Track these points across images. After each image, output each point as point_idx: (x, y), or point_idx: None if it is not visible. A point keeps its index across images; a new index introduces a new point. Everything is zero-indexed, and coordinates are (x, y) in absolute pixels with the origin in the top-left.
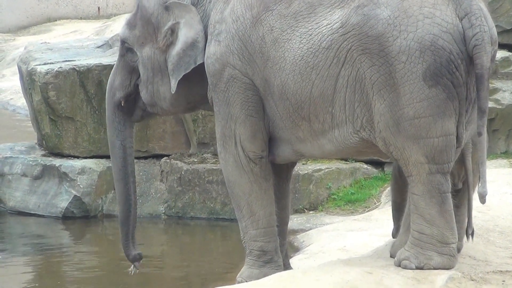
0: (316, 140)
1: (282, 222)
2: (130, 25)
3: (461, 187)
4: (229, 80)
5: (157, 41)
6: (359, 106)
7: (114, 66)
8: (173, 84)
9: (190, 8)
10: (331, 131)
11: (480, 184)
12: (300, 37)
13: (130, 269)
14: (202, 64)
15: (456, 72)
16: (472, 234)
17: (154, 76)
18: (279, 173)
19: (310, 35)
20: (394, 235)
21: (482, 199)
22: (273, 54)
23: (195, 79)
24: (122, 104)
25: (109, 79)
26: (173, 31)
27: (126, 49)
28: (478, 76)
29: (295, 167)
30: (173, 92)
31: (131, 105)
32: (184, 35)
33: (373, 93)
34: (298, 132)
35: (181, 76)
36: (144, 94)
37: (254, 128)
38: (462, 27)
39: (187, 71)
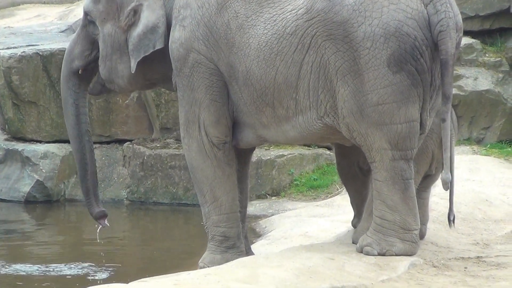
0: (280, 126)
1: (241, 205)
2: None
3: (434, 173)
4: (193, 65)
5: (119, 20)
6: (323, 92)
7: (75, 34)
8: (133, 64)
9: None
10: (295, 117)
11: (443, 170)
12: (265, 23)
13: (96, 226)
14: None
15: (421, 59)
16: (454, 220)
17: (113, 54)
18: (238, 157)
19: (275, 20)
20: (355, 224)
21: (445, 185)
22: (238, 40)
23: (156, 59)
24: (80, 73)
25: (68, 46)
26: (136, 12)
27: (89, 21)
28: (443, 62)
29: (258, 152)
30: (132, 72)
31: (88, 74)
32: (146, 18)
33: (337, 79)
34: (262, 118)
35: (140, 58)
36: (102, 69)
37: (218, 113)
38: (427, 13)
39: (146, 54)
